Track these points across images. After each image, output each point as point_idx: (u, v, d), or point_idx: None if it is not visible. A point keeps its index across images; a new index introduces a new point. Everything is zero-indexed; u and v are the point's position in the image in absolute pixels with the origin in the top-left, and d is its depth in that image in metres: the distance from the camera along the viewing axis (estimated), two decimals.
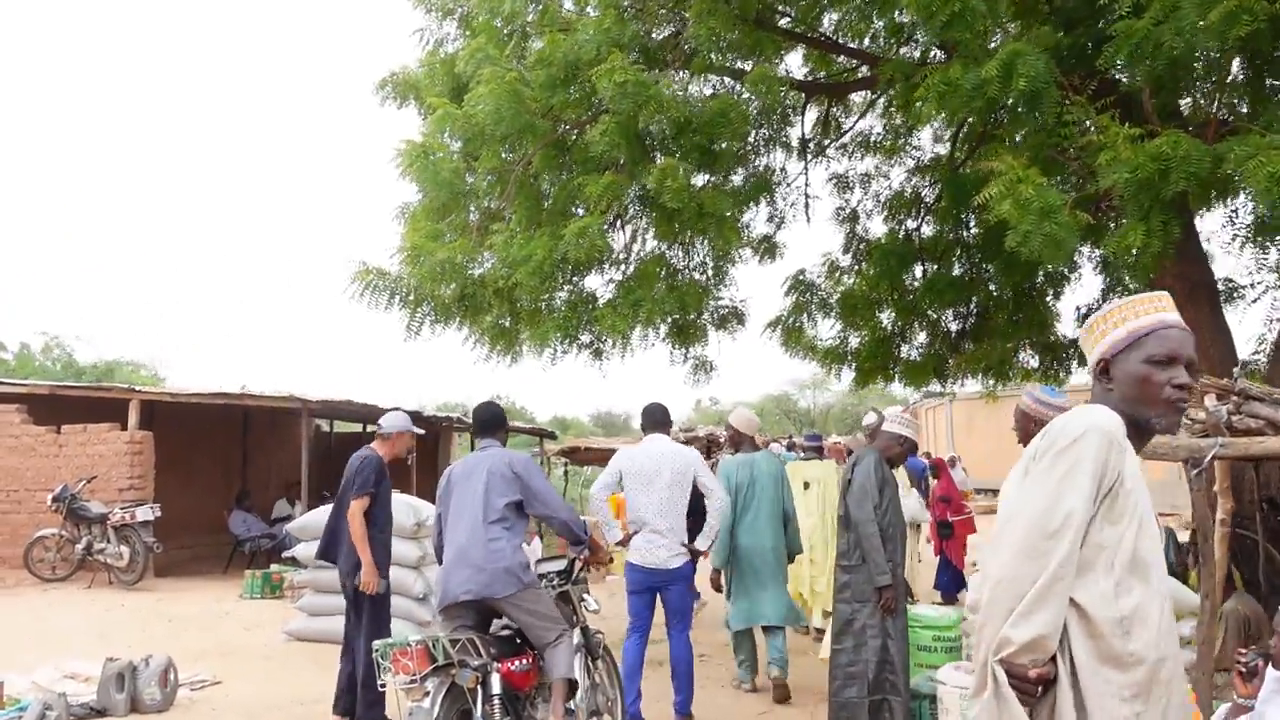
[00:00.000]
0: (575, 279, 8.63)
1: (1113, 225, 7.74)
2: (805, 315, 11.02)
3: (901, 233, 11.00)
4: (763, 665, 7.34)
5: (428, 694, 4.26)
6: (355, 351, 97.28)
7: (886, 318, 11.15)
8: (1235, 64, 7.52)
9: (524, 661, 4.72)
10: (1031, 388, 4.88)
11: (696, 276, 9.75)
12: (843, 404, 73.93)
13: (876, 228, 11.35)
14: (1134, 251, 6.62)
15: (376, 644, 4.39)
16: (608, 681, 5.65)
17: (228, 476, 16.91)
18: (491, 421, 5.45)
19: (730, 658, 7.63)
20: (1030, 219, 6.39)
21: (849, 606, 5.49)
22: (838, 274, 10.96)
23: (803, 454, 11.53)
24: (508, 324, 8.94)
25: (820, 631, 8.49)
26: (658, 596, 6.26)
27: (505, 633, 4.92)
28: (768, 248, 10.70)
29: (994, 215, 6.64)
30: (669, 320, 9.14)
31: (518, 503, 4.99)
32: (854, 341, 11.26)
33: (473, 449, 5.59)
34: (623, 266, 9.26)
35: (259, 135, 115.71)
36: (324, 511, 8.97)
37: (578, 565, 5.47)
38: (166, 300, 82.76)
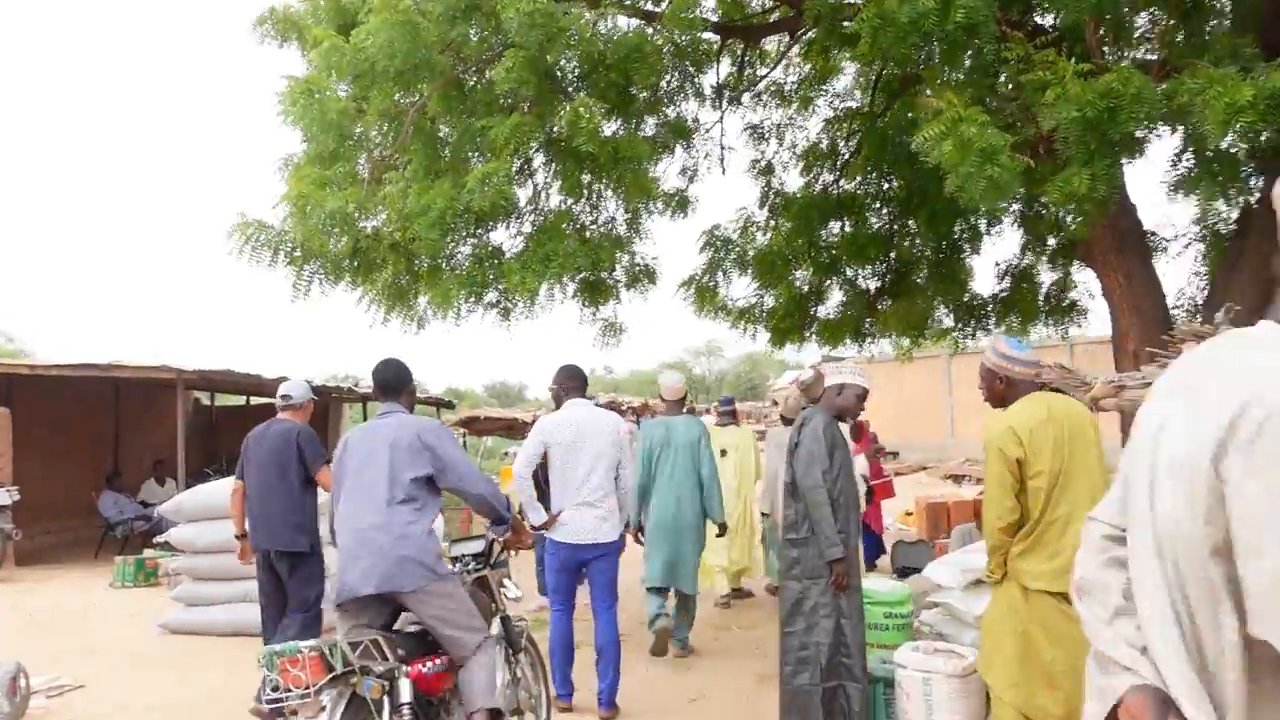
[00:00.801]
0: (480, 232, 7.91)
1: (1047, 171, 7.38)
2: (720, 273, 10.51)
3: (819, 186, 10.55)
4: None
5: (324, 709, 3.56)
6: (238, 319, 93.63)
7: (802, 276, 10.73)
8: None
9: (437, 662, 4.03)
10: (994, 341, 4.43)
11: (607, 230, 9.13)
12: (737, 371, 74.68)
13: (793, 181, 10.90)
14: (1078, 198, 6.26)
15: (262, 652, 3.64)
16: (531, 676, 5.02)
17: (98, 456, 15.66)
18: (394, 382, 4.65)
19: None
20: (972, 161, 5.97)
21: (798, 584, 4.99)
22: (753, 229, 10.46)
23: (716, 420, 11.09)
24: (405, 283, 8.17)
25: (726, 599, 9.02)
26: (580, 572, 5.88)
27: (414, 628, 4.16)
28: (680, 201, 10.08)
29: (932, 158, 6.20)
30: (580, 277, 8.50)
31: (428, 477, 4.21)
32: (769, 301, 10.83)
33: (365, 418, 4.82)
34: (531, 218, 8.57)
35: (126, 88, 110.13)
36: (205, 490, 8.15)
37: (497, 547, 4.77)
38: (32, 269, 78.36)
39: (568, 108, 6.98)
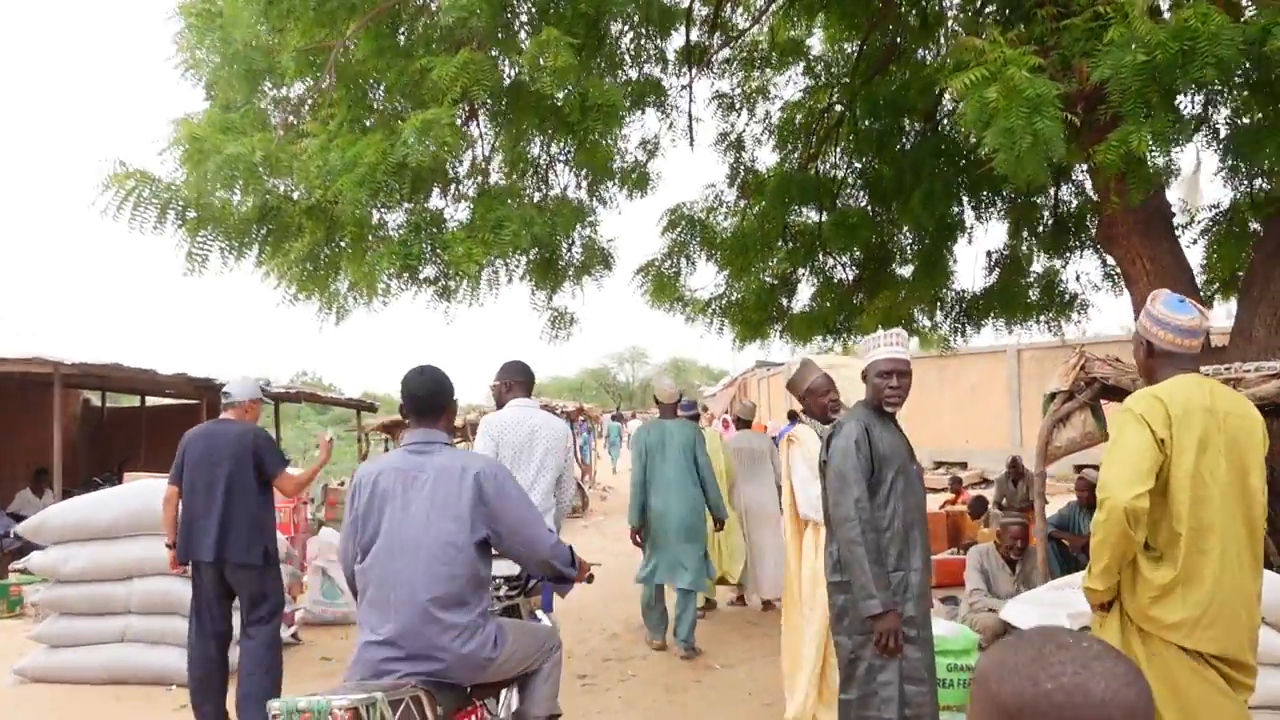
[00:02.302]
0: (417, 196, 6.62)
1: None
2: (684, 258, 9.39)
3: (794, 163, 9.48)
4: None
5: None
6: (125, 309, 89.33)
7: (773, 265, 9.67)
8: None
9: (476, 716, 3.42)
10: (1151, 299, 3.31)
11: (561, 201, 7.92)
12: (659, 381, 73.79)
13: (766, 158, 9.84)
14: (1135, 161, 5.29)
15: (276, 705, 2.90)
16: None
17: None
18: (434, 402, 3.49)
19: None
20: (1020, 112, 4.96)
21: (848, 640, 3.85)
22: (723, 208, 9.36)
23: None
24: (324, 256, 6.85)
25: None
26: None
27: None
28: (639, 178, 8.88)
29: (968, 115, 5.21)
30: (533, 253, 7.29)
31: (484, 541, 3.31)
32: (734, 294, 9.76)
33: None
34: (474, 185, 7.32)
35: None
36: (74, 505, 6.73)
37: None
38: None
39: (530, 42, 5.78)
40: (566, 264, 7.81)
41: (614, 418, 35.14)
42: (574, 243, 7.72)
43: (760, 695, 6.04)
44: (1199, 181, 7.97)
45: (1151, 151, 5.26)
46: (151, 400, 17.16)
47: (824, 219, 9.19)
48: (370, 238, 6.56)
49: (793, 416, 17.44)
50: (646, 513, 7.25)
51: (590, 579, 3.82)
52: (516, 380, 5.61)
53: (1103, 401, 5.86)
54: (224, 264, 6.38)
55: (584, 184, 8.16)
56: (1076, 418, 5.79)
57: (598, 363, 74.90)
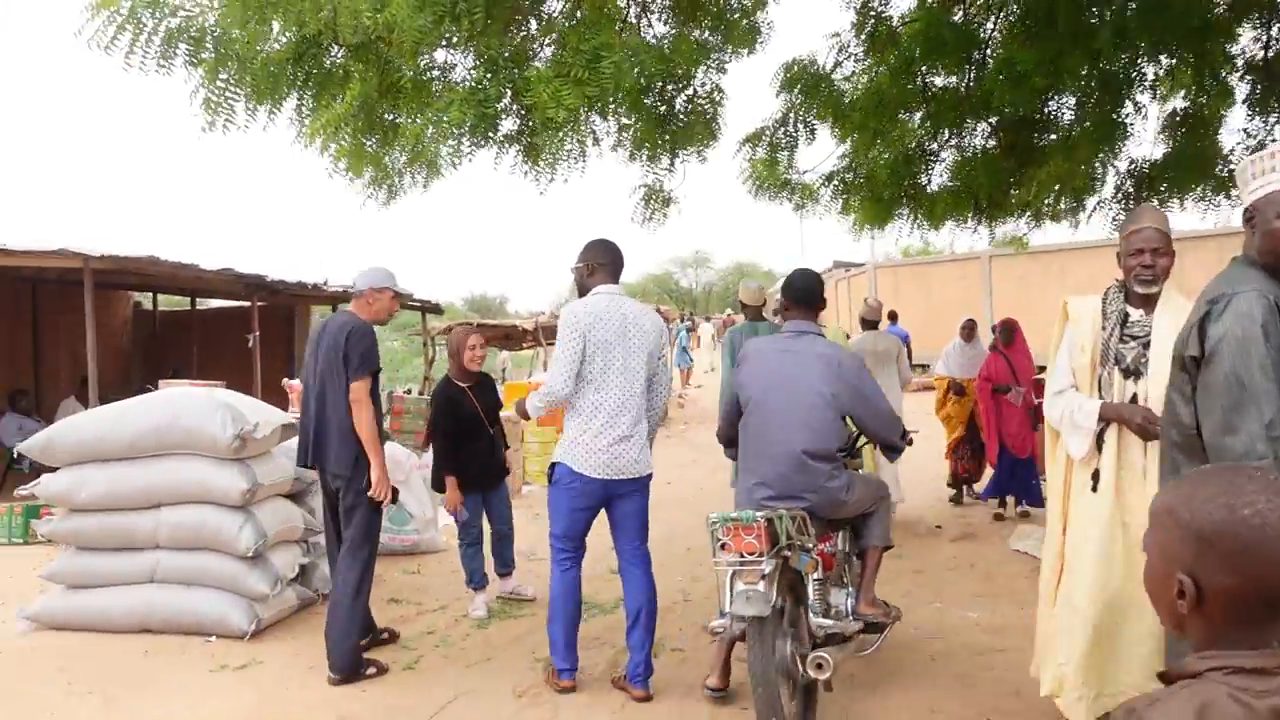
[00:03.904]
0: (492, 23, 5.18)
1: None
2: (801, 124, 7.89)
3: (933, 3, 7.84)
4: None
5: (764, 576, 3.58)
6: (170, 207, 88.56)
7: (908, 130, 8.12)
8: None
9: (831, 543, 4.30)
10: None
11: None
12: (725, 282, 72.13)
13: (901, 2, 8.21)
14: None
15: (714, 516, 3.71)
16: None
17: (14, 369, 13.01)
18: (810, 296, 4.42)
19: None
20: None
21: None
22: (850, 61, 7.79)
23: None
24: (377, 107, 5.49)
25: None
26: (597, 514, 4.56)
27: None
28: (747, 30, 7.31)
29: None
30: (640, 102, 5.86)
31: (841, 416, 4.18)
32: (860, 169, 8.24)
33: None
34: (566, 8, 5.85)
35: None
36: (91, 418, 5.59)
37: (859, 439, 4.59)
38: None
39: None
40: (677, 119, 6.36)
41: (682, 320, 33.73)
42: (694, 92, 6.25)
43: (929, 640, 4.80)
44: None
45: None
46: (203, 304, 16.17)
47: (972, 74, 7.59)
48: (436, 80, 5.19)
49: (893, 317, 15.86)
50: None
51: (910, 442, 4.48)
52: (600, 263, 4.58)
53: None
54: (249, 117, 5.05)
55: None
56: None
57: (660, 267, 73.33)
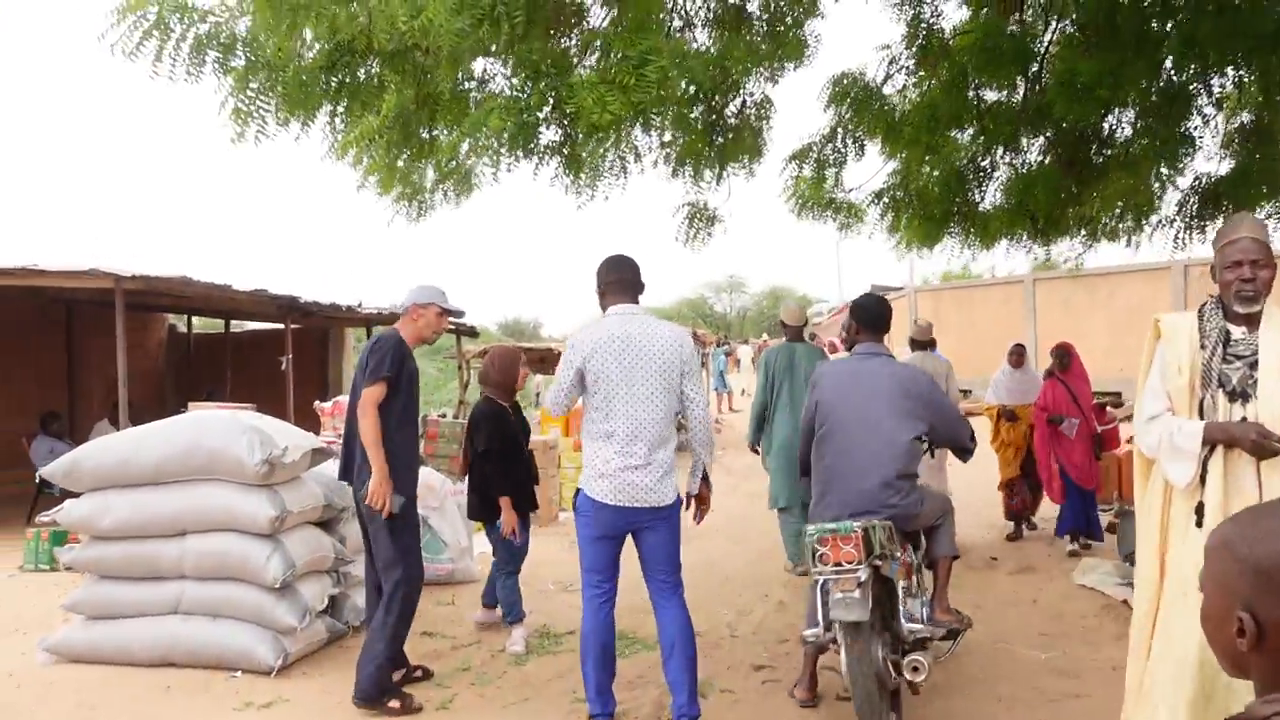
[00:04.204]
0: (533, 28, 4.95)
1: None
2: (849, 139, 7.62)
3: (988, 17, 7.55)
4: None
5: (860, 584, 3.76)
6: (208, 232, 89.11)
7: (961, 145, 7.84)
8: None
9: (906, 554, 4.25)
10: None
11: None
12: (759, 306, 71.65)
13: (953, 12, 7.93)
14: None
15: (812, 529, 3.94)
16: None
17: (49, 391, 12.94)
18: (881, 320, 4.58)
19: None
20: None
21: None
22: (902, 74, 7.52)
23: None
24: (412, 117, 5.28)
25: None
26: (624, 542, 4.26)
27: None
28: (794, 42, 7.05)
29: None
30: (686, 113, 5.61)
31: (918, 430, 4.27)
32: (909, 185, 7.95)
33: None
34: (612, 14, 5.61)
35: None
36: (116, 441, 5.41)
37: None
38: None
39: None
40: (725, 132, 6.10)
41: (719, 345, 33.34)
42: (743, 102, 6.00)
43: (995, 681, 4.45)
44: None
45: None
46: (241, 327, 16.09)
47: (1028, 87, 7.30)
48: (472, 90, 4.97)
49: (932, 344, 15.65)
50: (768, 435, 7.18)
51: (974, 442, 4.52)
52: (609, 281, 4.26)
53: None
54: (280, 125, 4.85)
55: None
56: None
57: (695, 291, 73.03)
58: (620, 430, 4.04)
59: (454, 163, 5.77)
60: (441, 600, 6.47)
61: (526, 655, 5.34)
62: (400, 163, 5.87)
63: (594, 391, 4.10)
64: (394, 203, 6.37)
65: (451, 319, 4.91)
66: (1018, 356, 8.62)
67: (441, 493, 6.90)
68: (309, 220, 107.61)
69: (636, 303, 4.27)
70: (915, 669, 3.85)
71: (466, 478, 5.94)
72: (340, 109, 5.26)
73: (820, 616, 3.96)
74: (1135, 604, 3.46)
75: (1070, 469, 7.60)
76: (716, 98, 5.91)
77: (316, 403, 8.79)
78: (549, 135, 5.11)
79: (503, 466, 5.51)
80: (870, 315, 4.52)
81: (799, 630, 4.54)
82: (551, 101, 4.83)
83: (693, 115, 5.84)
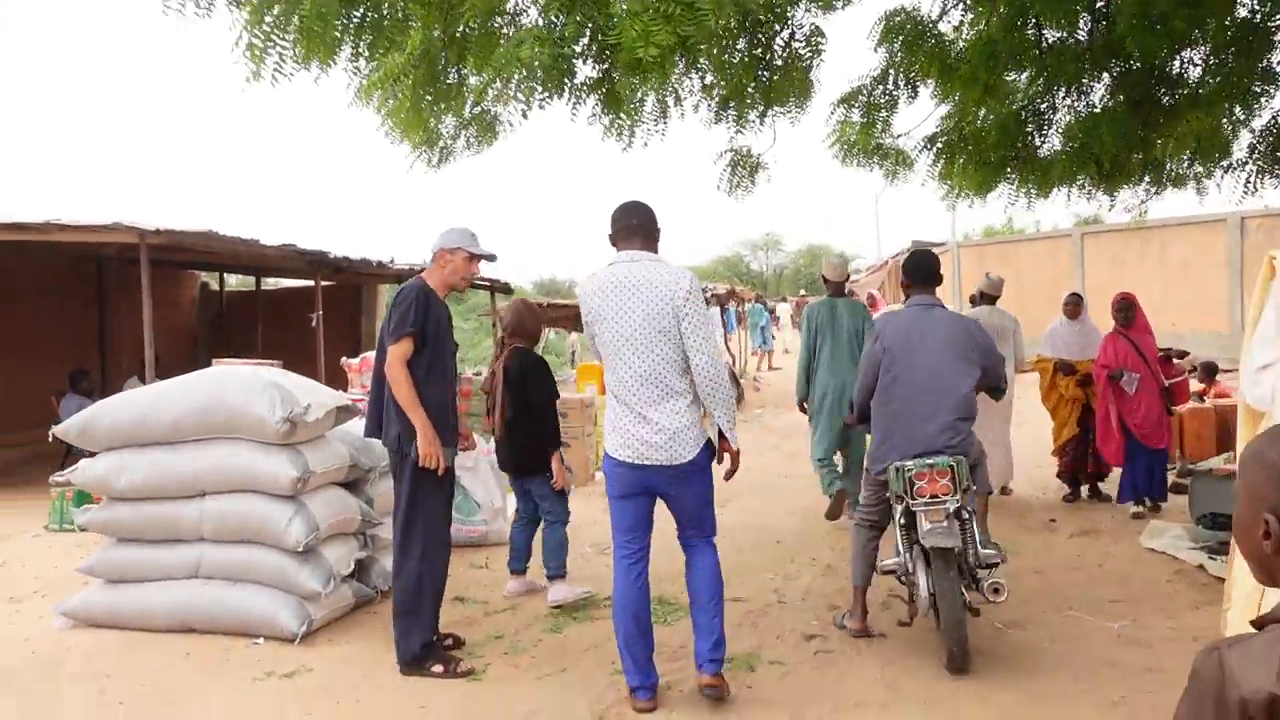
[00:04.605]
0: None
1: None
2: (901, 80, 7.20)
3: None
4: None
5: (949, 515, 4.23)
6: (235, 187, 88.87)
7: (1021, 86, 7.41)
8: None
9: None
10: None
11: None
12: (795, 265, 70.81)
13: None
14: None
15: (910, 464, 4.31)
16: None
17: (80, 349, 12.84)
18: (931, 274, 4.86)
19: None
20: None
21: None
22: (959, 8, 7.08)
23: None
24: (441, 57, 4.95)
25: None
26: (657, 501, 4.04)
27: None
28: None
29: None
30: (733, 50, 5.23)
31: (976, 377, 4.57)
32: (966, 128, 7.54)
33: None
34: None
35: None
36: (132, 399, 5.17)
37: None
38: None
39: None
40: (773, 67, 5.72)
41: (758, 300, 32.84)
42: (791, 34, 5.61)
43: (1069, 652, 4.13)
44: None
45: None
46: (268, 284, 15.92)
47: (1095, 22, 6.84)
48: (504, 24, 4.63)
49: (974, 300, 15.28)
50: (812, 388, 7.28)
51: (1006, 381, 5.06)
52: (619, 227, 4.00)
53: None
54: (299, 63, 4.54)
55: None
56: None
57: (730, 250, 72.36)
58: (625, 380, 3.85)
59: (480, 107, 5.46)
60: (475, 563, 6.22)
61: (564, 622, 5.08)
62: (425, 105, 5.57)
63: (599, 343, 3.96)
64: (414, 150, 6.09)
65: (486, 264, 4.58)
66: (1073, 307, 8.10)
67: (476, 452, 6.63)
68: (343, 175, 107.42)
69: (648, 249, 3.97)
70: (996, 590, 4.20)
71: (495, 434, 5.73)
72: (363, 47, 4.95)
73: (901, 547, 4.43)
74: (1232, 592, 3.12)
75: (1136, 428, 7.13)
76: (764, 30, 5.51)
77: (344, 359, 8.55)
78: (585, 71, 4.76)
79: (554, 417, 5.46)
80: (923, 270, 4.83)
81: (850, 582, 4.84)
82: (589, 33, 4.49)
83: (739, 48, 5.45)
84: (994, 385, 4.75)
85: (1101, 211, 9.76)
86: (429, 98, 5.41)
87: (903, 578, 4.56)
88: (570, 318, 17.71)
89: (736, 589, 5.37)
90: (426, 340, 4.33)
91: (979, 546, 4.34)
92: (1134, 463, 7.25)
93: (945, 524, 4.18)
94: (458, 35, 4.86)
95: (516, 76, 4.46)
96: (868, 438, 6.86)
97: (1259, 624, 1.25)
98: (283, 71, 4.68)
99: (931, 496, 4.21)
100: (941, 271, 4.96)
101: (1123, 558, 6.14)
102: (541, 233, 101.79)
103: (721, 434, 4.06)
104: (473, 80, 5.20)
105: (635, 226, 3.97)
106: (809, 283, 59.53)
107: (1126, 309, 7.41)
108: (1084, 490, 7.94)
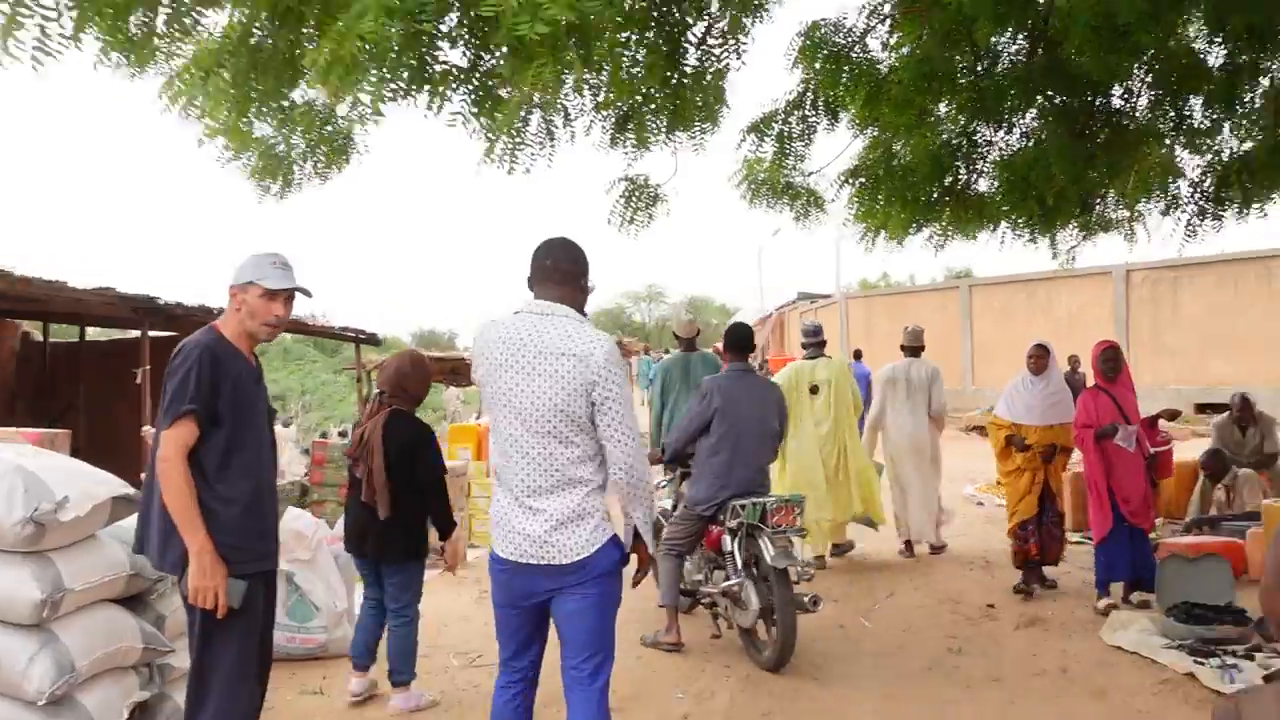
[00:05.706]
0: None
1: None
2: (820, 104, 6.35)
3: None
4: None
5: (793, 542, 5.22)
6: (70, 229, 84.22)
7: (949, 115, 6.65)
8: None
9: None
10: None
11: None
12: (678, 316, 70.71)
13: None
14: None
15: (770, 499, 5.24)
16: None
17: None
18: (746, 343, 5.70)
19: None
20: None
21: None
22: (884, 26, 6.26)
23: (804, 354, 7.62)
24: (263, 46, 3.79)
25: (819, 560, 7.49)
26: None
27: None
28: None
29: None
30: (637, 43, 4.22)
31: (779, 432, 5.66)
32: (890, 162, 6.73)
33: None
34: None
35: None
36: None
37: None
38: None
39: None
40: (688, 68, 4.73)
41: (646, 352, 32.02)
42: (709, 28, 4.63)
43: None
44: None
45: None
46: (97, 334, 14.20)
47: (1039, 39, 6.10)
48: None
49: (858, 355, 15.41)
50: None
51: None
52: (535, 268, 3.17)
53: None
54: (70, 42, 3.33)
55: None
56: None
57: (612, 302, 71.95)
58: (510, 465, 3.07)
59: (311, 107, 4.33)
60: (308, 687, 4.88)
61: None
62: (251, 110, 4.39)
63: (486, 408, 3.26)
64: (251, 172, 4.94)
65: (296, 297, 3.36)
66: (1038, 360, 6.61)
67: (314, 540, 5.36)
68: (187, 218, 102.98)
69: (569, 302, 3.11)
70: (815, 601, 5.07)
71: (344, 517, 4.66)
72: (157, 22, 3.77)
73: (731, 570, 5.25)
74: None
75: (1124, 503, 6.04)
76: (676, 23, 4.51)
77: (145, 428, 7.11)
78: (454, 57, 3.66)
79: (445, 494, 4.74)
80: (740, 340, 5.69)
81: (659, 604, 5.57)
82: (458, 3, 3.40)
83: (646, 39, 4.42)
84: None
85: (974, 263, 9.18)
86: (256, 95, 4.25)
87: (713, 599, 5.45)
88: (448, 371, 16.45)
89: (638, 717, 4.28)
90: (219, 418, 3.14)
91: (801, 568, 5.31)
92: (1121, 544, 6.11)
93: (789, 548, 5.09)
94: (286, 7, 3.71)
95: (358, 59, 3.33)
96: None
97: (1270, 678, 0.58)
98: (46, 49, 3.46)
99: (785, 526, 5.13)
100: (754, 342, 5.94)
101: (1089, 659, 5.22)
102: (420, 280, 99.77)
103: (637, 534, 3.11)
104: (306, 73, 4.05)
105: (551, 269, 3.14)
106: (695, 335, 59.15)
107: (1113, 359, 6.22)
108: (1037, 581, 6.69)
